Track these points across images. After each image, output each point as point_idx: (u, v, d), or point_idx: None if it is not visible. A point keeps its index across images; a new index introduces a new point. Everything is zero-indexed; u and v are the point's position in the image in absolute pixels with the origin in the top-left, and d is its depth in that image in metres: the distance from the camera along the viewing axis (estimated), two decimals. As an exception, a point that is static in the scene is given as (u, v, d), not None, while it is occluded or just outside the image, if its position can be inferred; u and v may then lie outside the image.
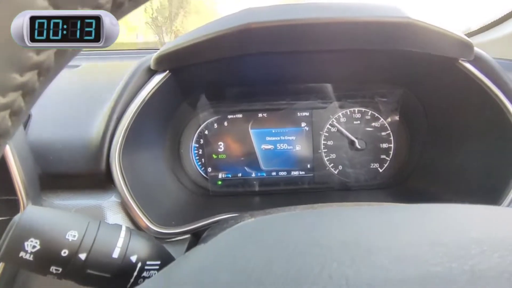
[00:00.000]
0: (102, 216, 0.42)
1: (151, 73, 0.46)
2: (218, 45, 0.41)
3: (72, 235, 0.26)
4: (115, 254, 0.27)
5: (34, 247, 0.25)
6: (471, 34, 0.73)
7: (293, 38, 0.40)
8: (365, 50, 0.45)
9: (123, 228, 0.30)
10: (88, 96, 0.47)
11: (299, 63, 0.51)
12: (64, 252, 0.25)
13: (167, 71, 0.45)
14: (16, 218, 0.26)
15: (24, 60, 0.14)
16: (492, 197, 0.45)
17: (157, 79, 0.45)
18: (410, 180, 0.65)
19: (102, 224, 0.29)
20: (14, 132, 0.16)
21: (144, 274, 0.29)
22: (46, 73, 0.15)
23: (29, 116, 0.45)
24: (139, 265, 0.28)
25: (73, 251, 0.26)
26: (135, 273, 0.28)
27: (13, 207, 0.37)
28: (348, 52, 0.46)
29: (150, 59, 0.46)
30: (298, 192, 0.66)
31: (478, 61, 0.45)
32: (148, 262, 0.29)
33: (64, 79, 0.53)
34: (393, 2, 0.43)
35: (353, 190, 0.66)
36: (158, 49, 0.45)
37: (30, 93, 0.15)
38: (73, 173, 0.42)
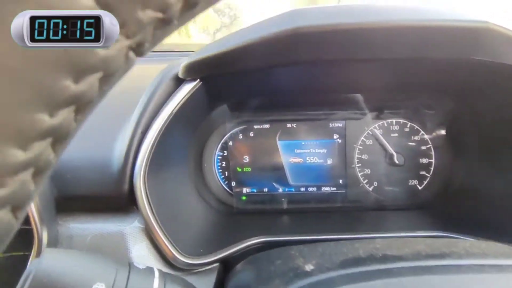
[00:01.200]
0: (124, 244, 0.37)
1: (179, 82, 0.41)
2: (259, 52, 0.36)
3: (99, 290, 0.21)
4: (149, 311, 0.22)
5: (53, 307, 0.20)
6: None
7: (348, 45, 0.34)
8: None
9: (156, 274, 0.25)
10: (108, 108, 0.42)
11: (342, 72, 0.46)
12: (90, 313, 0.20)
13: (198, 80, 0.40)
14: (32, 267, 0.21)
15: (58, 92, 0.09)
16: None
17: (187, 88, 0.40)
18: (452, 201, 0.59)
19: (132, 271, 0.24)
20: (37, 193, 0.11)
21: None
22: (85, 108, 0.10)
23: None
24: (176, 322, 0.24)
25: (101, 311, 0.21)
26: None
27: (26, 237, 0.33)
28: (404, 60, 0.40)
29: (176, 66, 0.41)
30: (330, 211, 0.61)
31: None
32: (186, 317, 0.24)
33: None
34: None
35: (390, 210, 0.60)
36: (180, 52, 0.40)
37: (62, 139, 0.10)
38: (92, 194, 0.37)
